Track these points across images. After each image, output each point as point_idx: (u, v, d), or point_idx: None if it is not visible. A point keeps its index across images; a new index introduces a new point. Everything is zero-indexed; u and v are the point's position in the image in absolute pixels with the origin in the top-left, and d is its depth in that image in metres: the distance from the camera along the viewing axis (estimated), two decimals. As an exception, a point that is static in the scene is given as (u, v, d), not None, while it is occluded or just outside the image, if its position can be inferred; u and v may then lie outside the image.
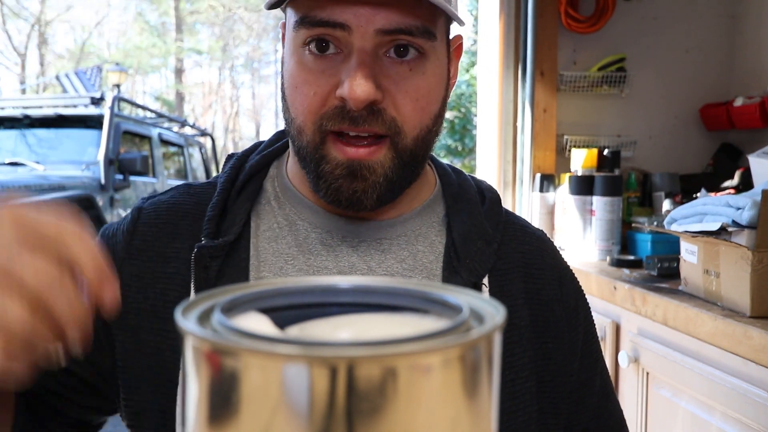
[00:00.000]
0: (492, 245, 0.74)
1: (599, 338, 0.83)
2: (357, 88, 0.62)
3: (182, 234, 0.72)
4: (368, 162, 0.66)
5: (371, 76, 0.63)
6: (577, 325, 0.77)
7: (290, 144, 0.72)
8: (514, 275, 0.74)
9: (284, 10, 0.71)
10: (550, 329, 0.74)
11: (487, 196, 0.79)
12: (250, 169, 0.77)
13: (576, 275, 0.82)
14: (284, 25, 0.73)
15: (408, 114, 0.66)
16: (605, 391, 0.81)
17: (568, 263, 0.82)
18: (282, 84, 0.71)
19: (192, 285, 0.69)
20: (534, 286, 0.75)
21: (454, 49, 0.74)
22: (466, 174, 0.83)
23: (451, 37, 0.73)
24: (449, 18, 0.69)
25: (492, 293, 0.72)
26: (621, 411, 0.84)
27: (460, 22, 0.68)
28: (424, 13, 0.64)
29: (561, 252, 0.83)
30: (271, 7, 0.68)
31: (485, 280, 0.72)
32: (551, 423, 0.73)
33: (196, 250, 0.69)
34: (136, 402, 0.68)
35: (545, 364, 0.73)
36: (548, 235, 0.91)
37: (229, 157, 0.81)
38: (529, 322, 0.73)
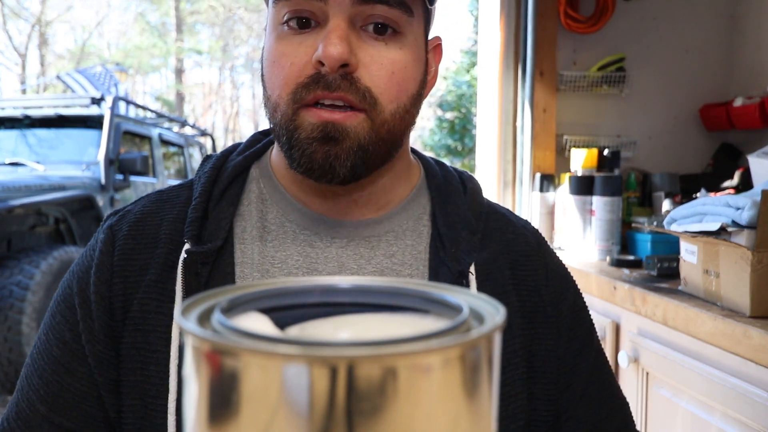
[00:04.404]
0: (476, 234, 0.74)
1: (599, 337, 0.82)
2: (330, 47, 0.63)
3: (161, 240, 0.71)
4: (342, 125, 0.65)
5: (345, 38, 0.64)
6: (562, 309, 0.76)
7: (273, 133, 0.71)
8: (501, 263, 0.75)
9: None
10: (539, 314, 0.74)
11: (468, 186, 0.80)
12: (232, 170, 0.75)
13: (576, 275, 0.82)
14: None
15: (384, 86, 0.66)
16: (600, 379, 0.79)
17: (569, 262, 0.82)
18: (261, 67, 0.70)
19: (180, 291, 0.67)
20: (520, 272, 0.75)
21: (432, 48, 0.75)
22: (449, 165, 0.83)
23: (430, 38, 0.74)
24: (428, 9, 0.71)
25: (479, 281, 0.72)
26: (621, 403, 0.81)
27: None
28: None
29: (561, 251, 0.83)
30: None
31: (471, 269, 0.72)
32: (541, 409, 0.73)
33: (185, 255, 0.68)
34: (129, 423, 0.67)
35: (535, 350, 0.73)
36: (548, 235, 0.92)
37: (207, 158, 0.79)
38: (518, 309, 0.73)
